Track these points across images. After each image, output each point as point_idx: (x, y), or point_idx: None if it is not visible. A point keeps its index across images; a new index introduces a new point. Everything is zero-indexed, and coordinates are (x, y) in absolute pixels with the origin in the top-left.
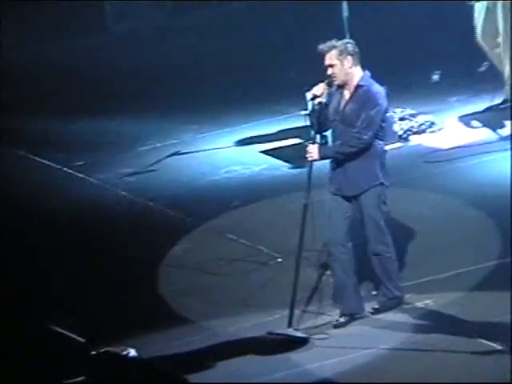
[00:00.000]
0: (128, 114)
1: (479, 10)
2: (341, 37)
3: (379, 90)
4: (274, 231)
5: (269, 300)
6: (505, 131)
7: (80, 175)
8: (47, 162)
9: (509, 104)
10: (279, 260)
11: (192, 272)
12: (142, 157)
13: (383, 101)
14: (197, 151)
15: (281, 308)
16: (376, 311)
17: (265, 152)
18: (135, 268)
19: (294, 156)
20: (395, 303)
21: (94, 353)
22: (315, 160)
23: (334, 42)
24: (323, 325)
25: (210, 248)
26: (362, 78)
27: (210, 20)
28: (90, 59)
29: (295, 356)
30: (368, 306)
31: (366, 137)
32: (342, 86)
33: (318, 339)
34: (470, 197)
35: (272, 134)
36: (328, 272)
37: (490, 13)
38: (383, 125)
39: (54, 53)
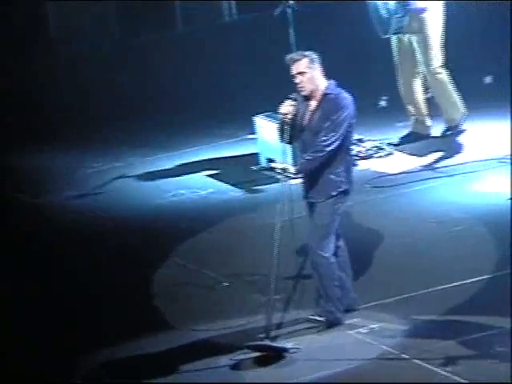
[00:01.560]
0: (73, 137)
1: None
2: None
3: (347, 96)
4: (220, 255)
5: (215, 324)
6: (450, 159)
7: (24, 198)
8: None
9: (454, 131)
10: (225, 284)
11: (137, 296)
12: (88, 179)
13: (350, 107)
14: (143, 174)
15: (226, 332)
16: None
17: (212, 176)
18: (80, 292)
19: (242, 180)
20: (327, 316)
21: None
22: (289, 176)
23: (303, 52)
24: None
25: (157, 272)
26: (328, 87)
27: (157, 45)
28: (37, 83)
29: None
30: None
31: (330, 141)
32: (308, 98)
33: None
34: (413, 222)
35: (220, 158)
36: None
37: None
38: (350, 131)
39: None
